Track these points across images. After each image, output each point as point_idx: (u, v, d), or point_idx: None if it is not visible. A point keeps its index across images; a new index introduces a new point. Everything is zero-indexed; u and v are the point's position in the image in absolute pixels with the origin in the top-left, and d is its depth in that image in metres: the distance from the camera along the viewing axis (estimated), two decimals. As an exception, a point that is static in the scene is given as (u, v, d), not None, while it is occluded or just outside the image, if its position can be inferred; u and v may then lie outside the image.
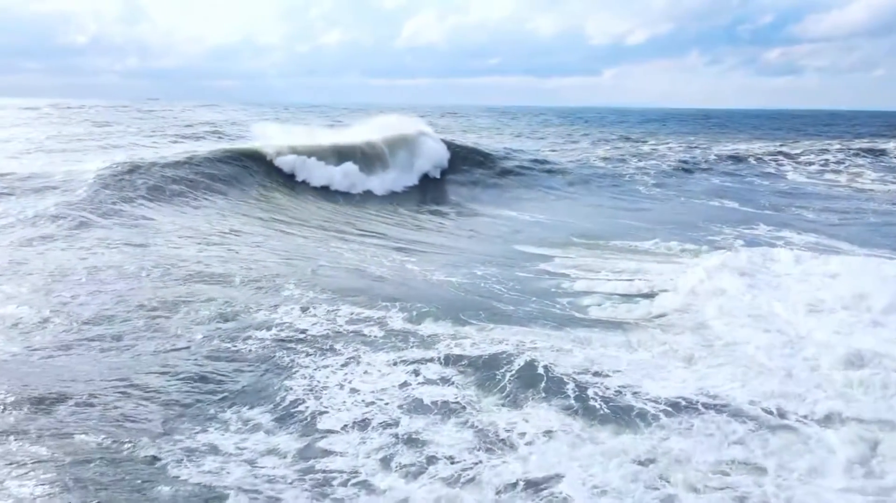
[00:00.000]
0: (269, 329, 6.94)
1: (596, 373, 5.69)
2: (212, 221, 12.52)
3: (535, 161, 23.07)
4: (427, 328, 7.00)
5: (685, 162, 25.70)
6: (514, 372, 5.78)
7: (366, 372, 5.93)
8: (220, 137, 30.46)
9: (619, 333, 6.81)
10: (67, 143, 27.68)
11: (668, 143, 37.49)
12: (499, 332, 6.86)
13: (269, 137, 17.63)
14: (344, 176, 16.45)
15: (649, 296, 8.08)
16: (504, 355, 6.14)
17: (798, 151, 31.09)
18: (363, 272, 9.45)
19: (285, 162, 16.43)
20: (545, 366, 5.82)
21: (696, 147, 34.37)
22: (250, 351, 6.40)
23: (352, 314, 7.41)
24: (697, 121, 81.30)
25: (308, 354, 6.34)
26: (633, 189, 19.73)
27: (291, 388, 5.65)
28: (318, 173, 16.39)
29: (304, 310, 7.54)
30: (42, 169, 15.92)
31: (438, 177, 19.38)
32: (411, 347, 6.45)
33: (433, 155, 19.78)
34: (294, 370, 6.00)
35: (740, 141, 41.52)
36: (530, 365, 5.88)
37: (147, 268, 8.90)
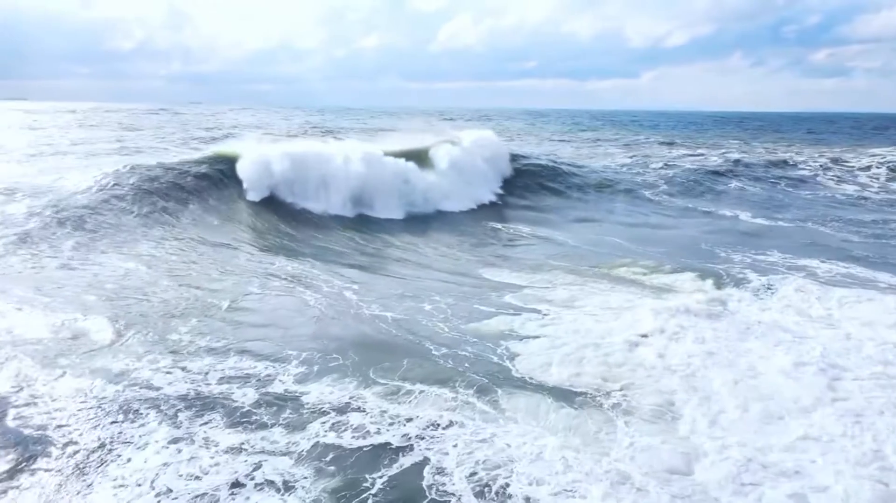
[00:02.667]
0: (116, 384, 5.44)
1: (501, 493, 3.93)
2: (161, 240, 10.99)
3: (548, 165, 21.06)
4: (317, 393, 5.38)
5: (711, 167, 23.37)
6: (389, 479, 4.11)
7: (194, 458, 4.34)
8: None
9: (561, 410, 5.02)
10: (78, 147, 27.37)
11: (699, 148, 35.13)
12: (406, 403, 5.19)
13: (251, 149, 15.66)
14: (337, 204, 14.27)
15: (614, 350, 6.16)
16: (390, 449, 4.47)
17: (843, 157, 28.43)
18: (288, 305, 7.87)
19: (258, 180, 14.42)
20: (436, 473, 4.13)
21: (729, 151, 31.93)
22: (71, 416, 4.90)
23: (234, 367, 5.85)
24: (739, 124, 77.86)
25: (144, 423, 4.80)
26: (645, 198, 17.62)
27: (90, 487, 4.10)
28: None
29: (178, 358, 6.02)
30: (25, 179, 14.95)
31: (497, 201, 16.66)
32: (277, 425, 4.83)
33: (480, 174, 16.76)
34: (112, 449, 4.48)
35: (781, 144, 38.81)
36: (417, 469, 4.20)
37: (38, 297, 7.59)
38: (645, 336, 6.23)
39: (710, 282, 8.51)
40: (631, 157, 27.83)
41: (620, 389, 5.20)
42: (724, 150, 32.41)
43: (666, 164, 24.27)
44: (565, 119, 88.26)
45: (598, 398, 5.17)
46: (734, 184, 20.39)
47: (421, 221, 14.17)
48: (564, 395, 5.24)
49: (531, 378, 5.59)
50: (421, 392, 5.39)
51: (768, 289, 8.25)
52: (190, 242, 11.02)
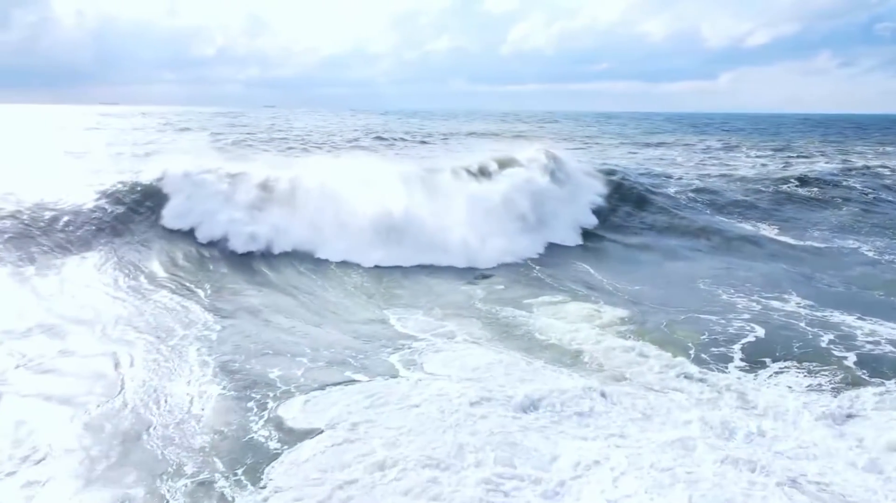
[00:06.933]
0: None
1: None
2: (71, 271, 8.93)
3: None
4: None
5: (767, 174, 19.87)
6: None
7: None
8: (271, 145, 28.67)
9: None
10: (102, 150, 26.88)
11: (757, 151, 31.27)
12: None
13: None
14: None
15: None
16: None
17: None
18: (86, 370, 5.74)
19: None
20: None
21: (798, 155, 28.11)
22: None
23: None
24: (823, 126, 71.21)
25: None
26: (667, 210, 14.45)
27: None
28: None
29: None
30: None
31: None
32: None
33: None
34: None
35: (862, 148, 34.09)
36: None
37: None
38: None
39: (666, 356, 5.69)
40: (682, 163, 24.72)
41: None
42: (792, 155, 28.57)
43: (722, 173, 21.03)
44: (635, 122, 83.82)
45: None
46: (787, 192, 16.92)
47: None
48: None
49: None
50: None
51: (753, 386, 5.19)
52: (67, 289, 8.55)
